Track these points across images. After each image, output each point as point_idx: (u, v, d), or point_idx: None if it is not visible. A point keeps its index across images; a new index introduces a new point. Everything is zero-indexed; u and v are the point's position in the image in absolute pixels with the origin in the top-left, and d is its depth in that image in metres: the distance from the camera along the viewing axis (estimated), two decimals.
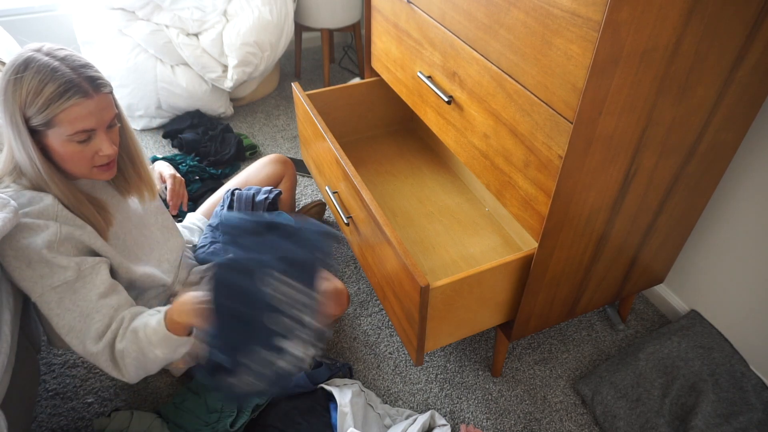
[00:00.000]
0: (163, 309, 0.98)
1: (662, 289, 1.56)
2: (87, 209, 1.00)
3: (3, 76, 0.89)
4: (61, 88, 0.88)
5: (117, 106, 1.02)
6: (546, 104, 0.90)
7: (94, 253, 1.01)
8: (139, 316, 0.98)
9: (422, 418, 1.21)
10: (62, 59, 0.91)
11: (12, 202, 0.93)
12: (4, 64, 1.59)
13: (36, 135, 0.92)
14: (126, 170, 1.11)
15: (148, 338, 0.94)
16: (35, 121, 0.90)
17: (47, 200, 0.95)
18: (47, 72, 0.88)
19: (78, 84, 0.90)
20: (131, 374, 0.97)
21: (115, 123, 0.99)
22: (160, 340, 0.94)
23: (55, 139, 0.92)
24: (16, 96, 0.88)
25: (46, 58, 0.89)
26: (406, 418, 1.27)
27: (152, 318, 0.97)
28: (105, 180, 1.04)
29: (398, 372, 1.41)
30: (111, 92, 0.98)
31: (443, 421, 1.24)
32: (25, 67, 0.88)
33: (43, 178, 0.94)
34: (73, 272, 0.94)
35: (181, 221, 1.56)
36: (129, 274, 1.09)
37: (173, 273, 1.25)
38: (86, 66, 0.93)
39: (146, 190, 1.17)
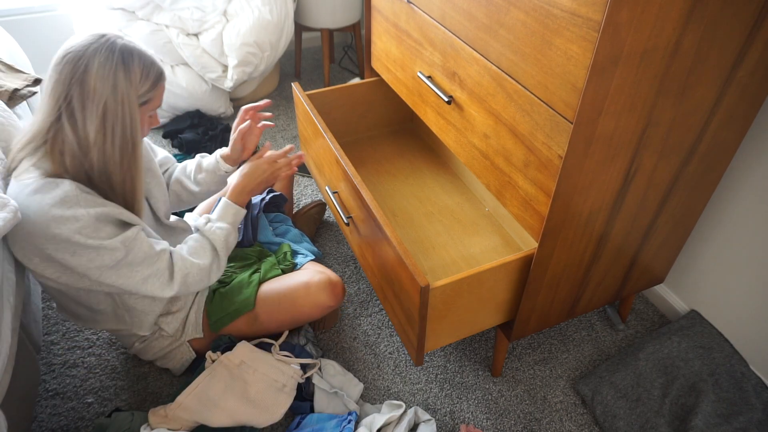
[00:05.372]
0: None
1: (662, 289, 1.56)
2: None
3: (106, 62, 0.94)
4: (159, 70, 1.02)
5: None
6: (546, 104, 0.90)
7: (125, 223, 1.05)
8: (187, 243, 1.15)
9: (407, 417, 1.21)
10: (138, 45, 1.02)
11: (12, 201, 0.93)
12: (4, 63, 1.59)
13: None
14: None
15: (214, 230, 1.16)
16: (142, 100, 1.00)
17: (66, 186, 0.96)
18: (148, 58, 1.00)
19: (161, 67, 1.03)
20: (211, 280, 1.17)
21: None
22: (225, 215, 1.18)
23: (142, 115, 1.03)
24: (129, 80, 0.97)
25: (136, 45, 0.99)
26: (383, 411, 1.27)
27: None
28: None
29: (398, 372, 1.41)
30: None
31: (427, 416, 1.25)
32: (131, 56, 0.97)
33: (135, 146, 1.01)
34: (121, 252, 1.00)
35: None
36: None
37: None
38: None
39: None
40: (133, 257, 1.03)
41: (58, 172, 0.98)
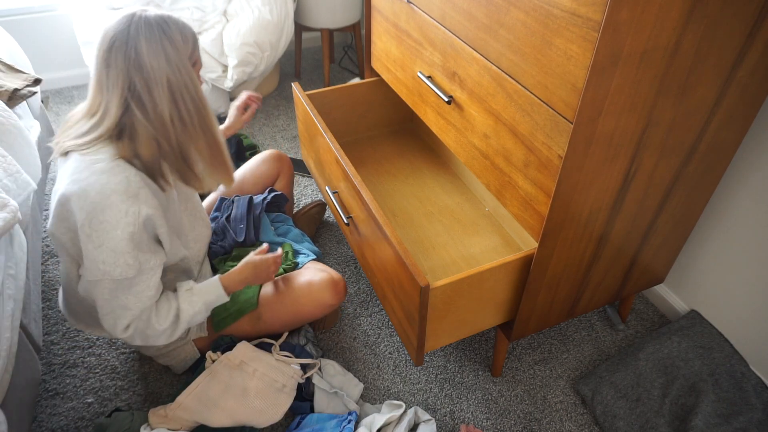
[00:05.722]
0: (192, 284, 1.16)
1: (662, 289, 1.56)
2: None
3: (151, 39, 0.95)
4: (191, 29, 1.02)
5: None
6: (546, 104, 0.90)
7: (157, 238, 1.06)
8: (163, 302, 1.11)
9: (407, 417, 1.21)
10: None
11: (12, 201, 0.93)
12: (4, 63, 1.59)
13: None
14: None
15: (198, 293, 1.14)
16: (191, 62, 1.01)
17: (132, 175, 0.98)
18: (179, 21, 0.99)
19: (190, 26, 1.02)
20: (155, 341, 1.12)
21: None
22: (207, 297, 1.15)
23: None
24: (176, 48, 0.97)
25: (164, 13, 0.99)
26: (383, 411, 1.27)
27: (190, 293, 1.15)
28: None
29: (398, 372, 1.41)
30: None
31: (427, 416, 1.25)
32: (167, 24, 0.97)
33: (207, 109, 1.03)
34: (134, 270, 1.00)
35: None
36: (169, 261, 1.15)
37: (198, 264, 1.25)
38: None
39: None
40: (135, 282, 1.02)
41: (127, 156, 0.99)
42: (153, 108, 0.97)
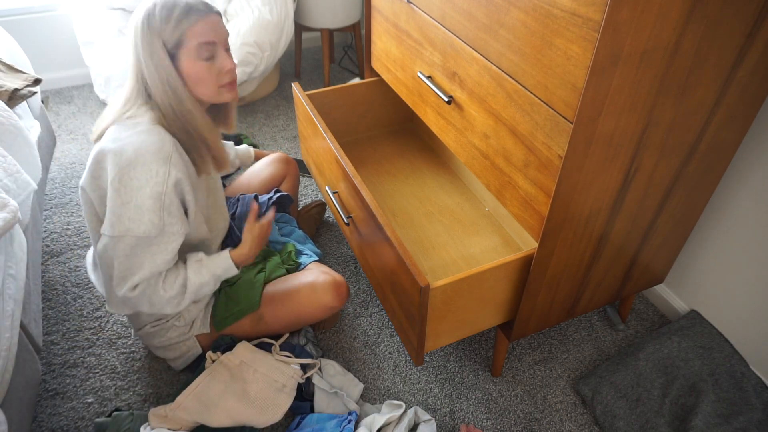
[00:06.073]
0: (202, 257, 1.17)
1: (662, 289, 1.56)
2: (209, 140, 1.12)
3: (138, 22, 1.02)
4: (185, 8, 1.02)
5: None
6: (546, 104, 0.90)
7: (184, 206, 1.10)
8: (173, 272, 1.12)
9: (407, 417, 1.21)
10: None
11: (12, 201, 0.93)
12: (4, 63, 1.59)
13: (172, 61, 1.04)
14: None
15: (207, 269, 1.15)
16: (170, 44, 1.02)
17: (167, 140, 1.03)
18: (171, 2, 1.02)
19: (196, 5, 1.04)
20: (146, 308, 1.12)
21: (229, 48, 1.11)
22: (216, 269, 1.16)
23: (186, 59, 1.04)
24: (152, 27, 1.01)
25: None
26: (383, 411, 1.27)
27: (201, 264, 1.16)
28: (230, 101, 1.15)
29: (398, 372, 1.41)
30: (221, 16, 1.10)
31: (427, 416, 1.25)
32: (154, 5, 1.02)
33: (179, 99, 1.05)
34: (157, 230, 1.03)
35: None
36: (191, 238, 1.17)
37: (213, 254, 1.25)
38: None
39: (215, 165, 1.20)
40: (155, 242, 1.04)
41: (162, 124, 1.05)
42: (148, 87, 1.05)
